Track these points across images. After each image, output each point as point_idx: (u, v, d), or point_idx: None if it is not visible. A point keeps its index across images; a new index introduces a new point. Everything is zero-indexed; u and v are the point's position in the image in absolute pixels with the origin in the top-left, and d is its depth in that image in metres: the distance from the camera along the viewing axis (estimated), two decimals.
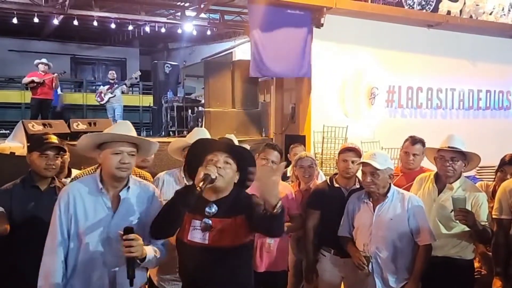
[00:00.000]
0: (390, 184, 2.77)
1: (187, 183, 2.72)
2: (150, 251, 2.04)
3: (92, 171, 2.78)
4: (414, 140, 3.51)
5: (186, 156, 2.39)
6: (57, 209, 2.07)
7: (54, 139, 2.75)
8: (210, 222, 2.05)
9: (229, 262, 2.05)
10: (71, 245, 2.05)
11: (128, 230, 1.90)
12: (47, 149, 2.66)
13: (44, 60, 8.41)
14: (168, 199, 2.62)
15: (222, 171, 2.03)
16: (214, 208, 2.08)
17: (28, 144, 2.89)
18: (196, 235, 2.06)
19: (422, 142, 3.51)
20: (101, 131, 2.21)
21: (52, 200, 2.49)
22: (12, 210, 2.56)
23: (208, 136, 2.91)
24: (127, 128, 2.16)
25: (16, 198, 2.59)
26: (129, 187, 2.15)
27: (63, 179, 3.14)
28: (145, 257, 1.98)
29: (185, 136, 6.70)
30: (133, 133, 2.17)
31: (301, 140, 5.88)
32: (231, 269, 2.06)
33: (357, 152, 3.05)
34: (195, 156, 2.16)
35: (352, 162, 3.03)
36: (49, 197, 2.55)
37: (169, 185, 2.80)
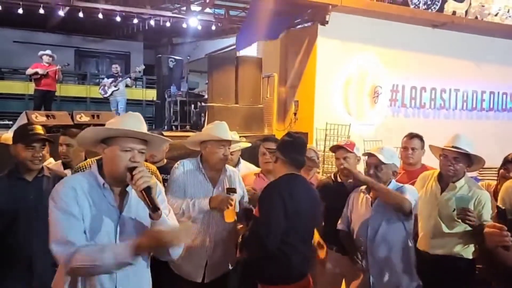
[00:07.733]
0: (391, 180, 2.77)
1: (205, 174, 2.78)
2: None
3: (88, 166, 2.57)
4: (411, 135, 3.59)
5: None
6: (62, 205, 1.69)
7: (39, 129, 2.59)
8: None
9: None
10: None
11: (132, 169, 1.72)
12: (33, 141, 2.49)
13: (48, 52, 8.39)
14: (188, 186, 2.72)
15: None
16: None
17: (12, 135, 2.60)
18: None
19: (419, 137, 3.57)
20: (104, 124, 1.88)
21: (40, 190, 2.47)
22: None
23: (228, 130, 2.82)
24: (138, 122, 1.86)
25: (1, 191, 2.46)
26: None
27: (65, 171, 3.04)
28: (155, 191, 1.72)
29: (190, 131, 6.78)
30: (145, 127, 1.87)
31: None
32: None
33: (345, 148, 3.10)
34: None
35: (344, 158, 3.07)
36: (37, 188, 2.49)
37: (190, 173, 2.78)
